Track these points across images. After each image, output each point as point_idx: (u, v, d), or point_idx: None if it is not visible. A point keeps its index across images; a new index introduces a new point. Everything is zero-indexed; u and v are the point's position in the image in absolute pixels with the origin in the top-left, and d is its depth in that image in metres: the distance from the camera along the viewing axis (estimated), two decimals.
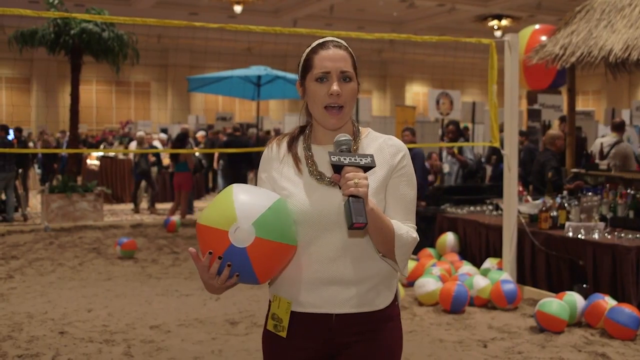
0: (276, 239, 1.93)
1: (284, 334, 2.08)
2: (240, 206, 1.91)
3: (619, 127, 9.85)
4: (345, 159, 1.88)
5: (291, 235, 1.99)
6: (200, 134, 16.92)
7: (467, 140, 10.26)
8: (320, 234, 2.03)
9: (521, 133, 9.91)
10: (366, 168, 1.90)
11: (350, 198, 1.84)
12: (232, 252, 1.89)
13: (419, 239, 2.08)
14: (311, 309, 2.06)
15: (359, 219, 1.82)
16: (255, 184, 2.18)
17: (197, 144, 16.37)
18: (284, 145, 2.16)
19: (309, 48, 2.11)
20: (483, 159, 11.70)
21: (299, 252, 2.05)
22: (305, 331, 2.07)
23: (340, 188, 1.91)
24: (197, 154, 13.81)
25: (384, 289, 2.10)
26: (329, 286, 2.04)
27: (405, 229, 2.03)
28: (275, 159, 2.16)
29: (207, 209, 2.00)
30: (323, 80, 2.04)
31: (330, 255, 2.03)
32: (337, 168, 1.89)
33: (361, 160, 1.90)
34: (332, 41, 2.09)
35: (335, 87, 2.02)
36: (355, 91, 2.08)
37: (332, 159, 1.88)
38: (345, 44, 2.11)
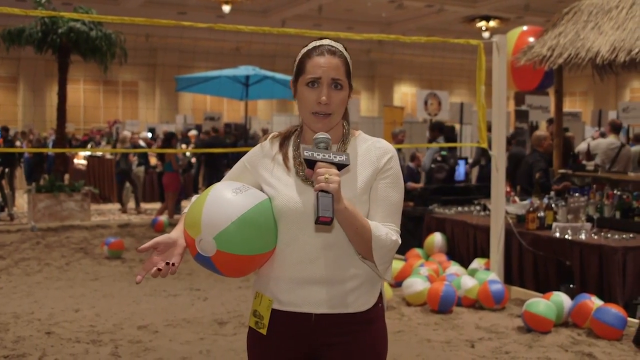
0: (238, 252, 1.98)
1: (264, 331, 2.10)
2: (206, 218, 1.98)
3: (618, 129, 9.96)
4: (318, 154, 1.89)
5: (260, 245, 2.02)
6: (192, 133, 16.91)
7: (449, 139, 10.29)
8: (301, 233, 2.04)
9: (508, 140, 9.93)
10: (340, 166, 1.91)
11: (319, 193, 1.84)
12: (200, 257, 2.01)
13: (400, 242, 2.06)
14: (291, 308, 2.07)
15: (325, 213, 1.82)
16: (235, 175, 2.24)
17: (187, 143, 16.33)
18: (277, 144, 2.18)
19: (305, 49, 2.10)
20: (470, 160, 11.74)
21: (280, 251, 2.07)
22: (286, 330, 2.08)
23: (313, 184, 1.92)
24: (187, 153, 13.80)
25: (366, 291, 2.09)
26: (309, 286, 2.05)
27: (385, 230, 2.02)
28: (267, 156, 2.17)
29: (189, 208, 2.09)
30: (313, 86, 2.04)
31: (311, 255, 2.04)
32: (310, 163, 1.90)
33: (335, 157, 1.90)
34: (327, 46, 2.08)
35: (324, 96, 2.02)
36: (345, 99, 2.08)
37: (305, 154, 1.90)
38: (342, 49, 2.10)
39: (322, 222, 1.84)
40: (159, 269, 1.99)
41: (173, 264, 2.01)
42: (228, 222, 1.96)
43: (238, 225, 1.96)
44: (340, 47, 2.11)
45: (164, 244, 2.02)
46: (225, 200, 2.00)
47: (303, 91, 2.06)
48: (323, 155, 1.89)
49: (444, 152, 9.40)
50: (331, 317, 2.05)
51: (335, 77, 2.04)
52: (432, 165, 9.42)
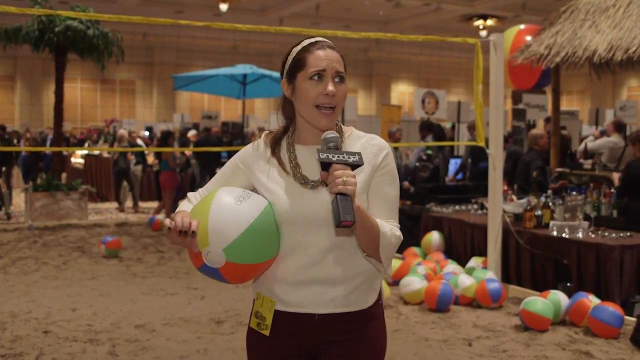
0: (247, 262, 1.98)
1: (267, 333, 2.09)
2: (213, 230, 1.95)
3: (622, 127, 10.03)
4: (333, 156, 1.87)
5: (268, 252, 2.02)
6: (192, 134, 16.89)
7: (438, 137, 10.30)
8: (304, 236, 2.04)
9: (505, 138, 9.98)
10: (354, 166, 1.89)
11: (338, 196, 1.83)
12: (207, 268, 1.99)
13: (402, 237, 2.08)
14: (295, 309, 2.06)
15: (347, 217, 1.81)
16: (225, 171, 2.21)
17: (182, 143, 16.29)
18: (269, 148, 2.15)
19: (300, 46, 2.08)
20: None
21: (283, 255, 2.06)
22: (288, 330, 2.08)
23: (327, 186, 1.91)
24: (189, 152, 13.79)
25: (367, 289, 2.10)
26: (313, 286, 2.04)
27: (389, 227, 2.03)
28: (262, 157, 2.14)
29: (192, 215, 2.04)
30: (318, 79, 2.03)
31: (314, 257, 2.03)
32: (325, 165, 1.88)
33: (349, 158, 1.89)
34: (325, 42, 2.08)
35: (330, 87, 2.01)
36: (345, 93, 2.08)
37: (321, 156, 1.87)
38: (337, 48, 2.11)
39: (345, 226, 1.83)
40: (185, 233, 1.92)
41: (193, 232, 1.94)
42: (237, 233, 1.94)
43: (247, 235, 1.95)
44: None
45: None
46: (231, 210, 1.97)
47: (305, 86, 2.03)
48: (338, 157, 1.88)
49: (429, 151, 9.43)
50: (334, 316, 2.06)
51: (338, 69, 2.04)
52: (417, 164, 9.45)
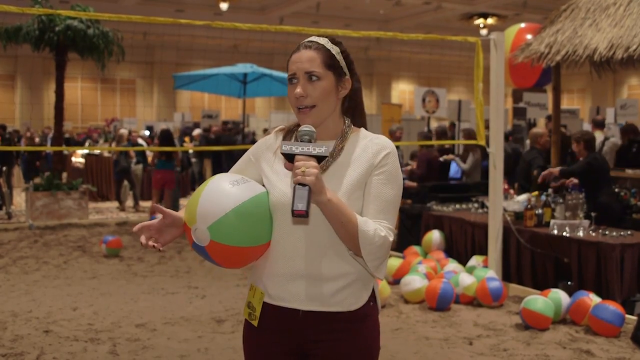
0: (231, 244, 1.99)
1: (255, 323, 2.12)
2: (202, 207, 1.99)
3: (601, 124, 10.07)
4: (296, 148, 1.90)
5: (254, 237, 2.02)
6: (197, 132, 16.91)
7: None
8: (294, 229, 2.05)
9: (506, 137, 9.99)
10: (319, 158, 1.91)
11: (297, 186, 1.85)
12: (196, 246, 2.02)
13: (391, 238, 2.02)
14: (280, 303, 2.08)
15: (299, 205, 1.83)
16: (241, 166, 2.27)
17: (182, 143, 16.32)
18: (280, 137, 2.19)
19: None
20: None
21: (274, 245, 2.08)
22: (275, 324, 2.10)
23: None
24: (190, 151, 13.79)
25: (357, 290, 2.08)
26: (298, 281, 2.05)
27: (374, 226, 1.98)
28: (270, 149, 2.18)
29: (190, 198, 2.12)
30: (292, 82, 2.08)
31: (301, 251, 2.04)
32: (289, 157, 1.91)
33: (314, 149, 1.90)
34: (304, 42, 2.11)
35: (298, 89, 2.05)
36: (325, 89, 2.07)
37: (283, 147, 1.91)
38: (320, 42, 2.10)
39: (297, 215, 1.84)
40: (153, 245, 2.01)
41: (154, 246, 2.02)
42: (222, 212, 1.97)
43: (232, 216, 1.97)
44: (320, 40, 2.12)
45: (174, 218, 2.04)
46: (222, 191, 2.01)
47: (288, 89, 2.11)
48: (302, 149, 1.90)
49: None
50: (318, 314, 2.05)
51: (308, 69, 2.05)
52: None
